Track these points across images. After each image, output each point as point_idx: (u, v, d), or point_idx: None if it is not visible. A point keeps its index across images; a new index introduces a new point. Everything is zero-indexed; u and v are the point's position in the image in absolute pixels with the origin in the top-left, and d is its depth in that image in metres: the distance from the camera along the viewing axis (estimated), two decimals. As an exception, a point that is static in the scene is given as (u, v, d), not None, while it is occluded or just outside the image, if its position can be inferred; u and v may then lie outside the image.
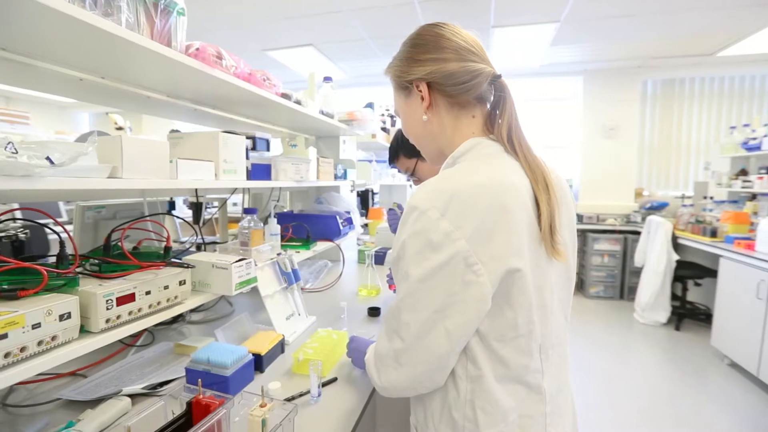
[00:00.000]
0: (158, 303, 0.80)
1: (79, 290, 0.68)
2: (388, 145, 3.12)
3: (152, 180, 0.79)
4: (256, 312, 1.38)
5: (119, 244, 0.86)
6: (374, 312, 1.44)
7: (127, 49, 0.74)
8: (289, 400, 0.84)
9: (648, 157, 4.67)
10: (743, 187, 3.31)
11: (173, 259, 0.91)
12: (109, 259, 0.81)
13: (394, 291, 1.40)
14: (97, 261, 0.82)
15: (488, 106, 0.69)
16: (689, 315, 3.51)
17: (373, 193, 3.71)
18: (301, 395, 0.87)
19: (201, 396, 0.65)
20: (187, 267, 0.88)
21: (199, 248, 1.52)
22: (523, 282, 0.57)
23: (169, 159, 0.84)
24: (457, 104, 0.67)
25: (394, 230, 1.54)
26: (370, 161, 2.78)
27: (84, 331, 0.68)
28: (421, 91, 0.68)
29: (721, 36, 3.51)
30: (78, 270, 0.75)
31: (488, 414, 0.59)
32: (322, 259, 2.19)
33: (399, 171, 1.45)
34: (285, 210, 2.14)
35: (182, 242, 1.65)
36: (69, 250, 0.73)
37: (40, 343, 0.59)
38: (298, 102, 1.44)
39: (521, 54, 4.10)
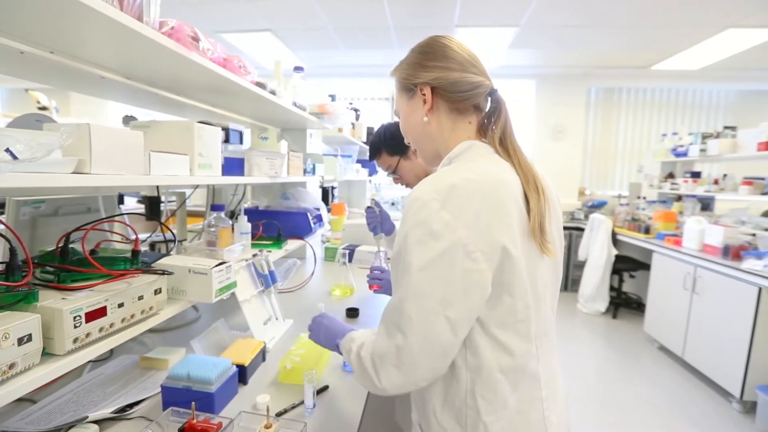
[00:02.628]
0: (132, 316, 0.70)
1: (39, 306, 0.58)
2: (354, 139, 3.07)
3: (125, 176, 0.69)
4: (225, 316, 1.28)
5: (78, 248, 0.75)
6: (353, 313, 1.40)
7: (91, 19, 0.63)
8: (280, 414, 0.79)
9: (590, 159, 5.06)
10: (671, 189, 3.70)
11: (143, 265, 0.80)
12: (70, 266, 0.70)
13: (375, 291, 1.37)
14: (52, 269, 0.70)
15: (483, 114, 0.75)
16: (624, 304, 3.88)
17: (333, 189, 3.64)
18: (293, 407, 0.81)
19: (194, 421, 0.58)
20: (163, 274, 0.78)
21: (152, 248, 1.38)
22: (518, 269, 0.60)
23: (144, 151, 0.73)
24: (456, 110, 0.73)
25: (372, 228, 1.51)
26: (335, 155, 2.70)
27: (46, 353, 0.57)
28: (425, 94, 0.73)
29: (655, 51, 3.87)
30: (33, 282, 0.63)
31: (489, 402, 0.62)
32: (291, 257, 2.10)
33: (379, 167, 1.42)
34: (247, 206, 2.02)
35: (127, 241, 1.49)
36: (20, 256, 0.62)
37: (-5, 373, 0.49)
38: (272, 92, 1.35)
39: (481, 54, 4.20)
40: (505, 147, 0.70)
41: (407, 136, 0.81)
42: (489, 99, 0.73)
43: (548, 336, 0.70)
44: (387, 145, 1.33)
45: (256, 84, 1.24)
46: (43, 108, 4.14)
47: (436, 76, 0.71)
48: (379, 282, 1.30)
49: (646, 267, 3.48)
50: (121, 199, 1.59)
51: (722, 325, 2.43)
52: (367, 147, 3.49)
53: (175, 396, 0.77)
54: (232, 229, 1.32)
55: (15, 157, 0.44)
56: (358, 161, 3.31)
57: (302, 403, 0.82)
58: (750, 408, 2.28)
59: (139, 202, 2.03)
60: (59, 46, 0.81)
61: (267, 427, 0.58)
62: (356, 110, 3.16)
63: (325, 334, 0.83)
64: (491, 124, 0.72)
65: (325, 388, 0.90)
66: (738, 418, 2.26)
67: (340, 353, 0.76)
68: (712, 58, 3.87)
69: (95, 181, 0.63)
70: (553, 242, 0.67)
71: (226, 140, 1.22)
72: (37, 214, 1.17)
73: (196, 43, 0.90)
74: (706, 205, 3.56)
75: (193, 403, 0.59)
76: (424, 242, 0.58)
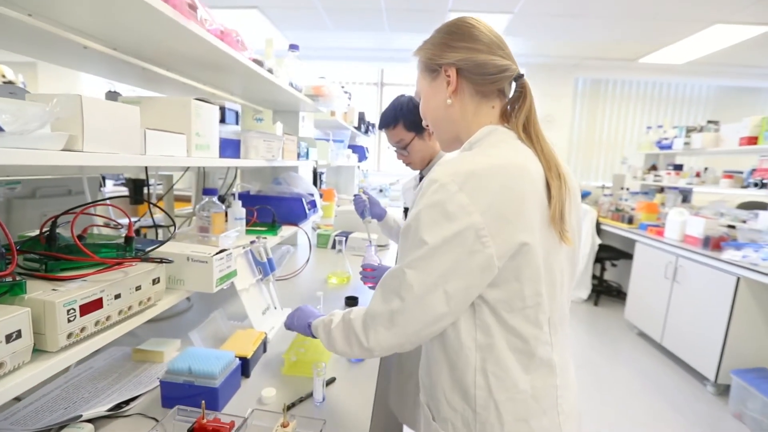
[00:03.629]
0: (129, 308, 0.65)
1: (27, 298, 0.52)
2: (345, 124, 3.00)
3: (120, 156, 0.63)
4: (219, 306, 1.23)
5: (62, 233, 0.69)
6: (352, 301, 1.37)
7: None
8: (289, 407, 0.75)
9: (575, 149, 5.12)
10: (654, 181, 3.79)
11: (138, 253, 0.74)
12: (59, 254, 0.63)
13: (370, 287, 1.35)
14: (37, 257, 0.63)
15: (507, 99, 0.73)
16: (605, 292, 4.00)
17: (321, 174, 3.56)
18: (301, 401, 0.78)
19: (204, 420, 0.54)
20: (162, 262, 0.72)
21: (138, 234, 1.30)
22: (532, 256, 0.60)
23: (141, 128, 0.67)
24: (480, 93, 0.71)
25: (360, 213, 1.47)
26: (327, 140, 2.63)
27: (36, 350, 0.52)
28: (449, 75, 0.70)
29: (643, 44, 3.91)
30: (17, 271, 0.57)
31: (500, 379, 0.62)
32: (284, 244, 2.04)
33: (389, 140, 1.35)
34: (237, 190, 1.93)
35: (116, 226, 1.40)
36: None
37: (-19, 375, 0.43)
38: (270, 71, 1.28)
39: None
40: (528, 133, 0.68)
41: (426, 118, 0.79)
42: (513, 84, 0.72)
43: (563, 325, 0.70)
44: (407, 118, 1.26)
45: (254, 61, 1.17)
46: (9, 82, 3.86)
47: (463, 57, 0.69)
48: (373, 280, 1.32)
49: (627, 256, 3.58)
50: (102, 182, 1.49)
51: (700, 312, 2.53)
52: (359, 132, 3.44)
53: (175, 391, 0.73)
54: (226, 214, 1.26)
55: (1, 129, 0.38)
56: (349, 146, 3.24)
57: (310, 396, 0.79)
58: (723, 390, 2.39)
59: (121, 185, 1.91)
60: (38, 8, 0.72)
61: (284, 425, 0.54)
62: (347, 93, 3.07)
63: (298, 318, 0.85)
64: (515, 110, 0.70)
65: (333, 380, 0.87)
66: (711, 399, 2.38)
67: (312, 335, 0.79)
68: (697, 53, 3.94)
69: (88, 160, 0.57)
70: (572, 230, 0.68)
71: (222, 120, 1.15)
72: (12, 195, 1.07)
73: (194, 12, 0.82)
74: (686, 197, 3.68)
75: (203, 401, 0.55)
76: (438, 222, 0.59)
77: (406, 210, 1.95)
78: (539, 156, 0.66)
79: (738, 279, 2.26)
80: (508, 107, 0.72)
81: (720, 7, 3.00)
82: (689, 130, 3.38)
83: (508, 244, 0.59)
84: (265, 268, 1.15)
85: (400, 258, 0.65)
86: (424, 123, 0.80)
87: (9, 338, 0.46)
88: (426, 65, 0.74)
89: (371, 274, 1.31)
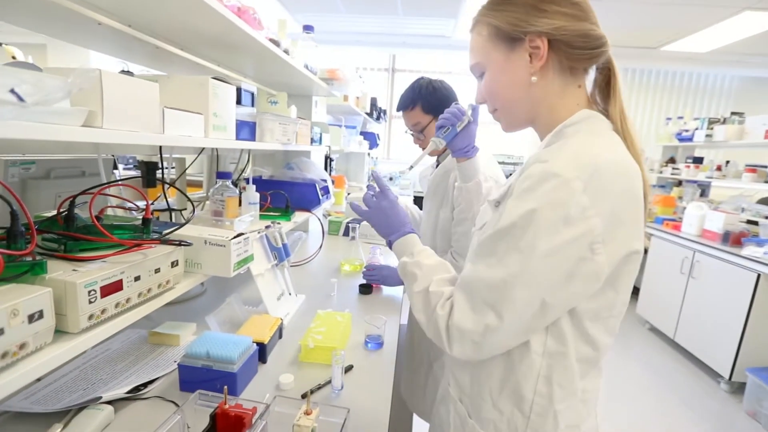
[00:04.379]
0: (148, 290, 0.64)
1: (48, 278, 0.51)
2: (358, 109, 2.95)
3: (140, 134, 0.61)
4: (232, 291, 1.22)
5: (83, 214, 0.67)
6: (366, 290, 1.36)
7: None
8: (304, 396, 0.74)
9: (590, 141, 5.01)
10: (672, 174, 3.70)
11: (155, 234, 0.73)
12: (78, 234, 0.62)
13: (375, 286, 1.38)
14: (56, 237, 0.62)
15: (594, 78, 0.63)
16: (616, 285, 3.94)
17: (331, 161, 3.53)
18: (319, 388, 0.77)
19: (226, 405, 0.53)
20: (180, 244, 0.71)
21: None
22: (636, 264, 0.55)
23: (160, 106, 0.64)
24: (569, 69, 0.59)
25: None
26: (340, 126, 2.59)
27: (58, 331, 0.51)
28: (537, 47, 0.57)
29: (667, 31, 3.76)
30: (37, 251, 0.56)
31: (564, 389, 0.58)
32: (296, 230, 2.03)
33: (406, 124, 1.32)
34: (250, 174, 1.92)
35: (129, 209, 1.39)
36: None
37: (4, 355, 0.42)
38: (286, 51, 1.24)
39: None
40: (623, 124, 0.59)
41: (496, 97, 0.64)
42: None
43: None
44: (426, 100, 1.22)
45: (271, 41, 1.13)
46: (20, 63, 3.86)
47: (561, 25, 0.56)
48: (375, 279, 1.38)
49: (641, 250, 3.51)
50: (114, 165, 1.48)
51: (717, 309, 2.48)
52: (371, 119, 3.39)
53: (193, 375, 0.72)
54: (240, 199, 1.24)
55: (21, 99, 0.36)
56: (360, 133, 3.19)
57: (328, 383, 0.78)
58: (737, 389, 2.36)
59: (133, 168, 1.91)
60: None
61: (307, 413, 0.53)
62: (361, 78, 3.02)
63: (386, 221, 0.75)
64: (608, 93, 0.61)
65: (350, 367, 0.86)
66: (725, 397, 2.35)
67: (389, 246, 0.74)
68: (723, 41, 3.79)
69: (108, 137, 0.55)
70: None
71: (238, 101, 1.12)
72: (27, 176, 1.06)
73: (212, -14, 0.79)
74: (704, 191, 3.58)
75: (226, 387, 0.54)
76: (556, 227, 0.50)
77: (419, 199, 1.92)
78: (631, 151, 0.58)
79: (759, 276, 2.20)
80: (594, 88, 0.62)
81: (751, -8, 2.86)
82: (711, 122, 3.27)
83: (619, 254, 0.52)
84: (280, 253, 1.14)
85: (491, 260, 0.55)
86: (490, 105, 0.67)
87: (31, 318, 0.45)
88: (500, 32, 0.60)
89: (373, 274, 1.37)
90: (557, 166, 0.51)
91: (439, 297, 0.61)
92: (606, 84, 0.62)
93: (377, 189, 0.80)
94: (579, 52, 0.58)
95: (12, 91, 0.36)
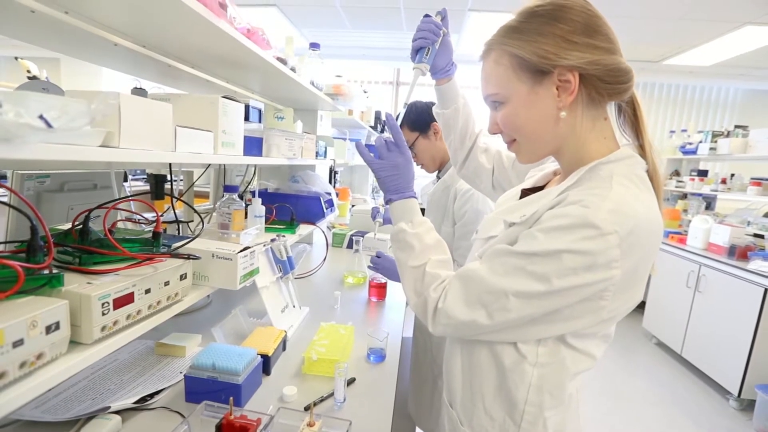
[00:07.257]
0: (158, 303, 0.66)
1: (64, 291, 0.53)
2: (362, 123, 2.99)
3: (153, 152, 0.64)
4: (237, 303, 1.24)
5: (96, 229, 0.70)
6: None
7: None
8: (307, 408, 0.76)
9: (594, 153, 5.02)
10: (676, 187, 3.69)
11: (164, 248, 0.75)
12: (92, 248, 0.65)
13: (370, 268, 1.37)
14: (71, 250, 0.65)
15: (618, 111, 0.62)
16: (622, 299, 3.90)
17: (335, 173, 3.58)
18: (322, 400, 0.78)
19: (232, 416, 0.54)
20: (189, 258, 0.73)
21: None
22: (635, 302, 0.57)
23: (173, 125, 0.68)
24: (597, 102, 0.58)
25: (372, 216, 1.47)
26: (344, 139, 2.63)
27: (72, 342, 0.53)
28: (567, 81, 0.55)
29: (670, 45, 3.80)
30: (53, 264, 0.58)
31: (555, 397, 0.59)
32: (300, 243, 2.05)
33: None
34: (256, 188, 1.95)
35: (138, 221, 1.43)
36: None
37: (22, 365, 0.44)
38: (293, 69, 1.28)
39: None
40: (654, 165, 0.58)
41: (513, 131, 0.61)
42: None
43: None
44: (409, 118, 1.29)
45: (278, 59, 1.17)
46: (33, 77, 3.97)
47: (592, 59, 0.53)
48: (378, 267, 1.34)
49: (646, 263, 3.49)
50: (125, 178, 1.52)
51: (725, 323, 2.45)
52: (375, 132, 3.43)
53: (199, 386, 0.74)
54: (246, 212, 1.27)
55: (50, 126, 0.39)
56: (366, 146, 3.23)
57: (331, 395, 0.79)
58: (747, 406, 2.32)
59: (142, 180, 1.95)
60: (75, 6, 0.74)
61: (310, 425, 0.54)
62: (366, 93, 3.07)
63: (395, 179, 0.71)
64: (636, 126, 0.60)
65: (353, 380, 0.87)
66: (734, 415, 2.30)
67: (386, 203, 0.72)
68: (726, 55, 3.81)
69: (123, 156, 0.58)
70: None
71: (246, 118, 1.16)
72: (42, 189, 1.10)
73: (224, 11, 0.83)
74: (709, 203, 3.57)
75: (231, 398, 0.55)
76: (577, 271, 0.50)
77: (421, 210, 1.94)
78: (657, 195, 0.57)
79: (765, 291, 2.18)
80: (622, 119, 0.61)
81: (752, 7, 2.90)
82: (715, 135, 3.27)
83: (623, 306, 0.55)
84: (284, 266, 1.16)
85: (506, 272, 0.54)
86: (506, 135, 0.63)
87: (49, 329, 0.47)
88: (524, 64, 0.56)
89: (377, 261, 1.33)
90: (598, 218, 0.49)
91: (434, 279, 0.62)
92: (634, 115, 0.60)
93: (391, 138, 0.72)
94: (609, 87, 0.56)
95: (41, 117, 0.39)
